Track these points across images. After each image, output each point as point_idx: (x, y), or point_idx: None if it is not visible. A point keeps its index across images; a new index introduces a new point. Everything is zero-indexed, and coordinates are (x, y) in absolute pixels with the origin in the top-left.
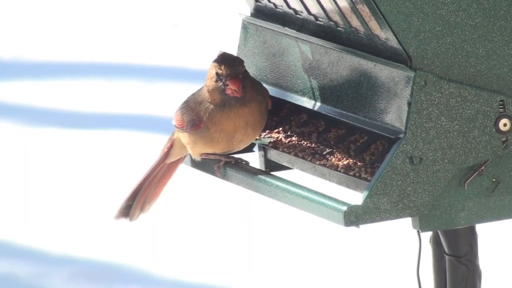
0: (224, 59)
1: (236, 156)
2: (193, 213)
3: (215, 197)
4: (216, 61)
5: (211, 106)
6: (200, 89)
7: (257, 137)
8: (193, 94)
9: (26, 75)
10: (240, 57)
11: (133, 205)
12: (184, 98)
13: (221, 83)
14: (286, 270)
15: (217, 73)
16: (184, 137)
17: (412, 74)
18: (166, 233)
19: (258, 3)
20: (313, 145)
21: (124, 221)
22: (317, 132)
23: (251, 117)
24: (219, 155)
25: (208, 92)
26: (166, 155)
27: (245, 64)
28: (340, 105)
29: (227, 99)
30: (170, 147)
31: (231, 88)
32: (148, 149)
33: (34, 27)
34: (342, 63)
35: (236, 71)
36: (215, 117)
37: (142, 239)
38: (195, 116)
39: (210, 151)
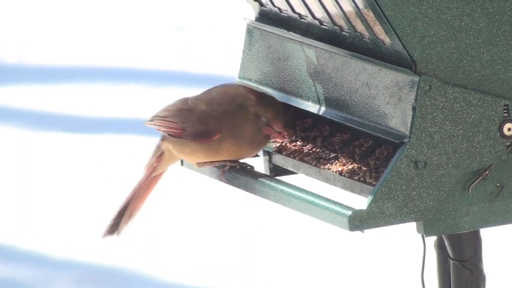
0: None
1: (241, 160)
2: (196, 217)
3: (218, 201)
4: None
5: (236, 128)
6: (204, 100)
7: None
8: (196, 104)
9: (29, 79)
10: (245, 61)
11: (120, 221)
12: (165, 105)
13: (261, 123)
14: (288, 273)
15: (256, 113)
16: (178, 146)
17: (416, 78)
18: (168, 237)
19: (263, 8)
20: (317, 149)
21: (111, 237)
22: (322, 137)
23: (266, 144)
24: (223, 160)
25: (238, 124)
26: (154, 168)
27: (250, 69)
28: (344, 109)
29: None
30: (159, 159)
31: (275, 131)
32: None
33: (37, 31)
34: (346, 68)
35: (280, 110)
36: (238, 141)
37: (144, 243)
38: (204, 127)
39: (207, 159)
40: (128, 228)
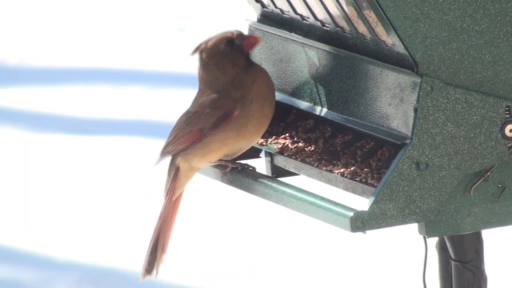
0: (218, 33)
1: (243, 162)
2: (197, 218)
3: (219, 202)
4: (215, 37)
5: (237, 88)
6: (202, 96)
7: (264, 143)
8: (195, 106)
9: (29, 80)
10: None
11: (156, 256)
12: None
13: (238, 44)
14: (289, 274)
15: (228, 41)
16: (201, 150)
17: (418, 79)
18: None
19: (264, 9)
20: (319, 151)
21: (150, 277)
22: (324, 138)
23: (269, 80)
24: (225, 161)
25: (227, 70)
26: (173, 191)
27: None
28: (346, 111)
29: (249, 63)
30: (176, 177)
31: (251, 41)
32: (154, 155)
33: (37, 33)
34: (348, 69)
35: (242, 32)
36: (248, 81)
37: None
38: (220, 112)
39: (236, 147)
40: (163, 264)
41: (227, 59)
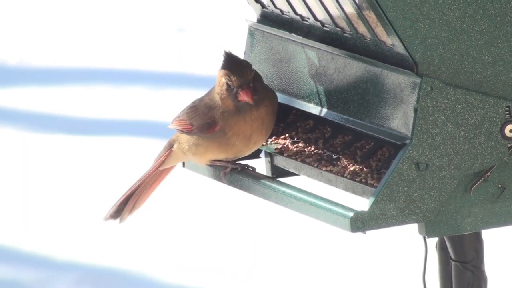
0: (232, 67)
1: (243, 162)
2: (197, 219)
3: (219, 202)
4: (224, 68)
5: (226, 111)
6: (209, 94)
7: (264, 143)
8: (201, 100)
9: (30, 81)
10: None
11: (124, 208)
12: (186, 105)
13: (233, 91)
14: (289, 274)
15: (227, 83)
16: (192, 143)
17: (418, 80)
18: (169, 238)
19: (264, 9)
20: (319, 151)
21: (113, 222)
22: (324, 138)
23: (266, 116)
24: (225, 161)
25: (221, 99)
26: (162, 162)
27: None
28: (346, 111)
29: (241, 105)
30: (168, 155)
31: (243, 97)
32: (154, 155)
33: (37, 33)
34: (348, 69)
35: (246, 81)
36: (232, 121)
37: (146, 244)
38: (208, 119)
39: (222, 156)
40: (131, 218)
41: (222, 94)
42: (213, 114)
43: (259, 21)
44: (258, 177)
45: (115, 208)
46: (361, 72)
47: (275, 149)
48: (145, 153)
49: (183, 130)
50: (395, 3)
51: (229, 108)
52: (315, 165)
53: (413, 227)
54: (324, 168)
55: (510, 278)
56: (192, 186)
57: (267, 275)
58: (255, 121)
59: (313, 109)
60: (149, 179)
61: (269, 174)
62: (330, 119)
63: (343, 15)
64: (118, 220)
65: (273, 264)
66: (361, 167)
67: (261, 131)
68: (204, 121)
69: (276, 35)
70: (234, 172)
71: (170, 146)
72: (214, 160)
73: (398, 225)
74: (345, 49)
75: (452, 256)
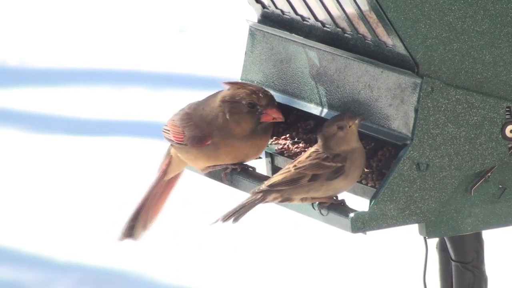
0: (248, 86)
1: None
2: (197, 219)
3: (219, 202)
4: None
5: (229, 131)
6: (204, 105)
7: None
8: (195, 109)
9: (30, 81)
10: (248, 63)
11: (135, 225)
12: (181, 108)
13: (257, 111)
14: (290, 274)
15: (250, 103)
16: (183, 153)
17: (419, 80)
18: (170, 239)
19: (265, 10)
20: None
21: (129, 241)
22: None
23: (265, 143)
24: (225, 164)
25: (235, 121)
26: (165, 172)
27: (252, 71)
28: (347, 111)
29: (260, 127)
30: (168, 164)
31: (273, 116)
32: (155, 156)
33: (38, 33)
34: (349, 70)
35: (273, 99)
36: (230, 141)
37: (147, 246)
38: (199, 132)
39: (211, 164)
40: (147, 234)
41: (240, 115)
42: (208, 128)
43: (259, 21)
44: (259, 177)
45: (126, 226)
46: (361, 73)
47: (276, 149)
48: (145, 153)
49: (175, 140)
50: (396, 3)
51: (244, 132)
52: None
53: (414, 228)
54: None
55: (510, 279)
56: (192, 186)
57: (267, 276)
58: (253, 147)
59: (314, 109)
60: (156, 190)
61: (270, 175)
62: None
63: (344, 15)
64: (132, 238)
65: (273, 264)
66: None
67: (253, 155)
68: (195, 133)
69: (276, 35)
70: (234, 173)
71: (169, 153)
72: (208, 167)
73: (398, 225)
74: (346, 49)
75: (453, 257)
